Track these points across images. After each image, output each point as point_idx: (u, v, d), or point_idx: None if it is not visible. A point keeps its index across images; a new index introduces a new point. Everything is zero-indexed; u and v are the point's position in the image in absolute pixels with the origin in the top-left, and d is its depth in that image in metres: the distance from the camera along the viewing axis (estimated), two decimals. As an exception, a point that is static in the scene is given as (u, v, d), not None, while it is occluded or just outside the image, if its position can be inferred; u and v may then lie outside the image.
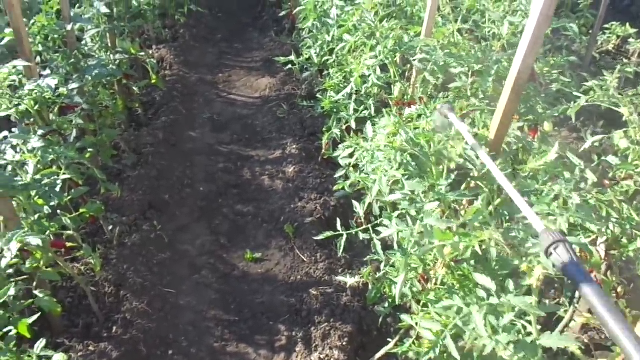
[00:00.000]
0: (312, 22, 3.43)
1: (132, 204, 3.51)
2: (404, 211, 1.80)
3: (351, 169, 2.85)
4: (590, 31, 5.40)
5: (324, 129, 3.81)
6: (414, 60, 2.42)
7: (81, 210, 2.90)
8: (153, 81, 4.30)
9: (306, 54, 3.47)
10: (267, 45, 5.99)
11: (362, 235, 2.11)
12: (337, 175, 2.89)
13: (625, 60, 5.86)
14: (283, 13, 5.43)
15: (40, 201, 2.32)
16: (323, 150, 3.51)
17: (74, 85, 2.71)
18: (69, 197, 2.82)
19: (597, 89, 2.31)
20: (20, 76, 2.61)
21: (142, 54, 4.10)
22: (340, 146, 3.04)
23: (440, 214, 1.64)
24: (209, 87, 5.25)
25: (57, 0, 3.05)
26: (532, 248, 1.34)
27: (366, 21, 2.53)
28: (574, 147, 4.46)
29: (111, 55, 3.87)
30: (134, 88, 4.23)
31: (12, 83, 2.54)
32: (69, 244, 2.69)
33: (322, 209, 3.55)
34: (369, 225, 2.08)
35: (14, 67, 2.41)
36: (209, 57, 5.83)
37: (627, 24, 5.46)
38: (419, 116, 1.88)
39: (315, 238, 2.67)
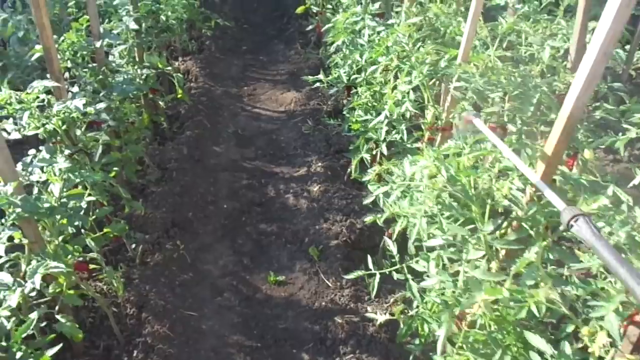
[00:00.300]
0: (341, 41, 3.35)
1: (155, 222, 3.47)
2: (442, 253, 1.71)
3: (381, 195, 2.76)
4: (626, 47, 5.22)
5: (350, 148, 3.72)
6: (450, 86, 2.32)
7: (105, 230, 2.87)
8: (179, 95, 4.27)
9: (335, 73, 3.39)
10: (293, 58, 5.94)
11: (395, 275, 2.01)
12: (365, 202, 2.79)
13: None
14: (310, 27, 5.37)
15: (65, 221, 2.27)
16: (351, 173, 3.43)
17: (102, 105, 2.68)
18: (93, 217, 2.79)
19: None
20: (49, 96, 2.58)
21: (169, 68, 4.07)
22: (369, 170, 2.96)
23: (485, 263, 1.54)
24: (234, 101, 5.21)
25: (87, 17, 3.03)
26: (595, 311, 1.23)
27: (401, 44, 2.44)
28: (610, 170, 4.29)
29: (138, 70, 3.85)
30: (160, 102, 4.21)
31: (41, 103, 2.52)
32: (91, 266, 2.65)
33: (348, 232, 3.46)
34: (404, 265, 1.98)
35: (43, 87, 2.38)
36: (234, 69, 5.80)
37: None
38: (458, 154, 1.78)
39: (345, 277, 2.59)
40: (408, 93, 2.40)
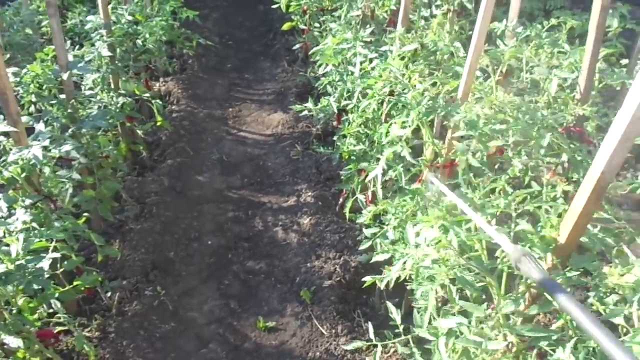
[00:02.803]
0: (330, 67, 3.13)
1: (133, 265, 3.21)
2: (455, 329, 1.48)
3: (378, 241, 2.53)
4: (621, 61, 5.06)
5: (342, 176, 3.50)
6: (450, 134, 2.11)
7: (76, 283, 2.61)
8: (159, 123, 4.01)
9: (324, 101, 3.17)
10: (280, 76, 5.71)
11: (400, 349, 1.77)
12: (362, 248, 2.56)
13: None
14: (297, 46, 5.14)
15: (20, 289, 2.01)
16: (344, 204, 3.20)
17: (67, 147, 2.42)
18: (61, 270, 2.53)
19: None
20: (6, 141, 2.32)
21: (147, 95, 3.81)
22: (364, 211, 2.74)
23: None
24: (218, 124, 4.96)
25: (52, 47, 2.78)
26: None
27: (395, 78, 2.22)
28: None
29: (113, 98, 3.59)
30: (138, 131, 3.95)
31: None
32: (59, 328, 2.39)
33: (342, 271, 3.22)
34: (409, 337, 1.74)
35: (-3, 133, 2.13)
36: (218, 89, 5.55)
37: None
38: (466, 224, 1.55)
39: (345, 348, 2.37)
40: (407, 140, 2.17)
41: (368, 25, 3.70)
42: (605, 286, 1.44)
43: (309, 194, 3.92)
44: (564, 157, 2.33)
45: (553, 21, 2.87)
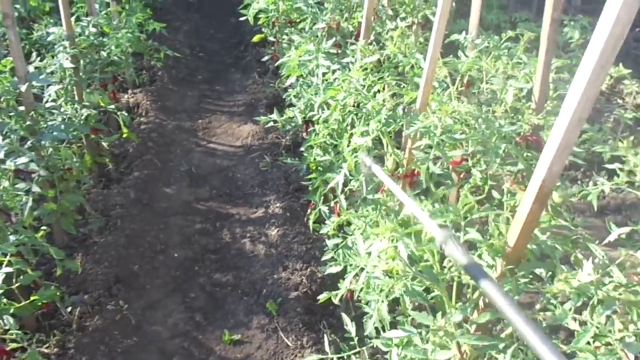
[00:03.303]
0: (295, 78, 3.15)
1: (95, 279, 3.14)
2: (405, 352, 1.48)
3: (340, 252, 2.53)
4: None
5: (309, 187, 3.51)
6: (409, 145, 2.14)
7: (32, 298, 2.54)
8: (125, 135, 3.97)
9: (289, 113, 3.18)
10: (250, 88, 5.71)
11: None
12: (325, 258, 2.56)
13: (620, 101, 5.69)
14: (266, 57, 5.16)
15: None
16: (310, 222, 3.20)
17: (22, 160, 2.37)
18: (17, 285, 2.47)
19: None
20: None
21: (112, 106, 3.77)
22: (328, 222, 2.74)
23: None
24: (188, 135, 4.93)
25: (10, 59, 2.73)
26: None
27: (356, 89, 2.25)
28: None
29: (78, 110, 3.54)
30: (104, 143, 3.90)
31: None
32: (12, 345, 2.32)
33: (309, 282, 3.22)
34: (364, 349, 1.74)
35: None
36: (189, 100, 5.52)
37: (620, 64, 5.29)
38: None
39: None
40: (367, 148, 2.19)
41: (333, 38, 3.75)
42: (551, 291, 1.46)
43: (278, 205, 3.91)
44: (520, 166, 2.38)
45: (510, 33, 2.94)
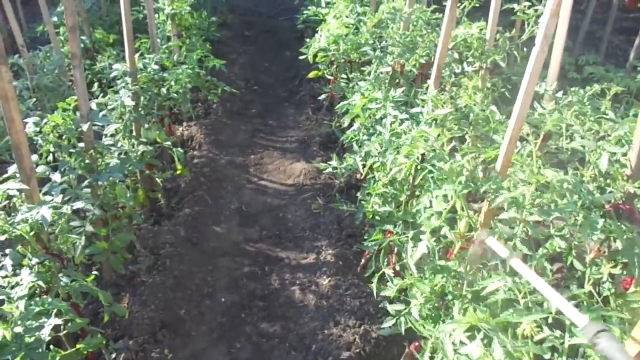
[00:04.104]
0: (357, 125, 3.01)
1: (141, 323, 3.03)
2: None
3: (402, 320, 2.33)
4: None
5: (365, 234, 3.34)
6: (491, 213, 1.94)
7: (78, 346, 2.45)
8: (179, 172, 3.92)
9: (350, 160, 3.03)
10: (304, 124, 5.63)
11: None
12: (385, 326, 2.36)
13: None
14: (323, 96, 5.06)
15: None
16: (366, 265, 3.01)
17: (79, 205, 2.31)
18: (64, 332, 2.38)
19: None
20: (18, 197, 2.23)
21: (168, 143, 3.74)
22: (389, 284, 2.54)
23: None
24: (239, 171, 4.86)
25: (75, 97, 2.72)
26: None
27: (431, 149, 2.08)
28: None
29: (134, 145, 3.52)
30: (157, 179, 3.85)
31: (6, 202, 2.16)
32: (55, 400, 2.21)
33: (362, 342, 3.00)
34: None
35: (5, 192, 2.03)
36: (241, 135, 5.48)
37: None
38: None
39: None
40: (445, 217, 2.00)
41: (397, 81, 3.61)
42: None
43: (329, 251, 3.74)
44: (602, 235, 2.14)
45: (596, 87, 2.71)
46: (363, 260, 3.57)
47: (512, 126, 2.02)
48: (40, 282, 2.27)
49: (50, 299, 1.94)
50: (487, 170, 2.21)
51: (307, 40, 4.80)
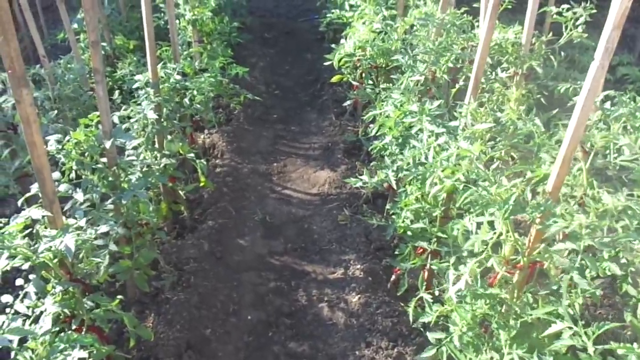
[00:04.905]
0: (389, 138, 2.87)
1: (167, 344, 2.94)
2: None
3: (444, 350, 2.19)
4: None
5: (395, 248, 3.20)
6: (540, 239, 1.79)
7: (103, 374, 2.36)
8: (202, 184, 3.83)
9: (381, 174, 2.89)
10: (327, 130, 5.50)
11: None
12: (425, 355, 2.22)
13: None
14: (348, 102, 4.92)
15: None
16: (397, 283, 2.88)
17: (104, 229, 2.22)
18: (89, 360, 2.29)
19: None
20: (41, 222, 2.14)
21: (191, 155, 3.64)
22: (427, 310, 2.40)
23: None
24: (262, 180, 4.75)
25: (97, 113, 2.63)
26: None
27: (475, 170, 1.93)
28: None
29: (157, 158, 3.43)
30: (180, 191, 3.76)
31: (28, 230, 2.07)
32: None
33: (396, 366, 2.87)
34: None
35: (28, 218, 1.95)
36: (263, 141, 5.38)
37: None
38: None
39: None
40: (492, 245, 1.86)
41: (428, 88, 3.45)
42: None
43: (358, 266, 3.61)
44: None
45: (646, 97, 2.52)
46: (394, 277, 3.43)
47: (566, 147, 1.86)
48: (65, 310, 2.20)
49: (75, 335, 1.84)
50: (534, 192, 2.06)
51: (328, 43, 4.68)
